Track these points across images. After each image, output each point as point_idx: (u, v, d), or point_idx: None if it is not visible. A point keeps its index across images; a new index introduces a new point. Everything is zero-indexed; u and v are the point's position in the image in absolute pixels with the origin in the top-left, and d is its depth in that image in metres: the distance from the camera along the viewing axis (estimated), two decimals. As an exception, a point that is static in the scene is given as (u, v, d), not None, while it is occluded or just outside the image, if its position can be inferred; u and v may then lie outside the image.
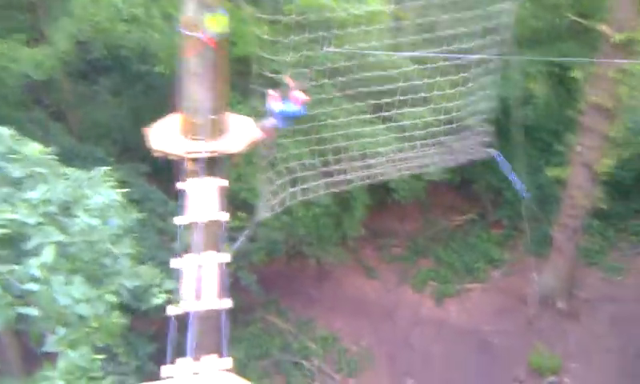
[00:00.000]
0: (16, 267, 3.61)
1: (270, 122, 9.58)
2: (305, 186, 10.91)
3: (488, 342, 16.31)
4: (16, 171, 4.29)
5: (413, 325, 16.84)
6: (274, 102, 9.31)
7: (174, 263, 6.93)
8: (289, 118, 9.44)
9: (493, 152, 12.31)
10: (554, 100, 18.49)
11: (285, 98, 9.43)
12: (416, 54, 11.16)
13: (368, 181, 11.81)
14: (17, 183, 4.23)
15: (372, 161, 11.65)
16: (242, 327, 15.44)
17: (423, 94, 11.64)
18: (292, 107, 9.27)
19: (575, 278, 17.02)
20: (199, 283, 6.86)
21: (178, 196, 8.24)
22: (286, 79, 9.53)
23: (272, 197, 10.79)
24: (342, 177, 11.30)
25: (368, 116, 12.14)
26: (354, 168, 11.54)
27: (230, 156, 9.31)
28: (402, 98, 11.21)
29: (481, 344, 16.30)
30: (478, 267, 18.40)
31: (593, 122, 14.37)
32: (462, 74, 11.45)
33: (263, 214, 10.96)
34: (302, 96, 9.41)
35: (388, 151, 11.91)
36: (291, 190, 10.88)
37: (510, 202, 18.90)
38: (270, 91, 9.46)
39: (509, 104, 14.59)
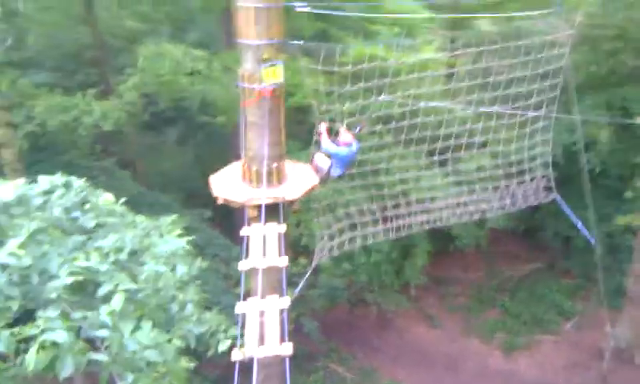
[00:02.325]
0: (88, 314, 3.71)
1: (323, 161, 9.33)
2: (364, 232, 10.77)
3: (560, 398, 15.37)
4: (89, 221, 4.47)
5: (479, 377, 16.02)
6: (327, 141, 8.91)
7: (239, 308, 6.98)
8: (344, 162, 9.26)
9: (555, 196, 11.83)
10: (617, 146, 17.73)
11: (335, 142, 9.28)
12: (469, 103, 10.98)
13: (427, 226, 11.55)
14: (89, 232, 4.40)
15: (431, 205, 11.44)
16: (304, 375, 15.20)
17: (479, 139, 11.46)
18: (344, 150, 8.92)
19: (653, 332, 15.92)
20: (262, 328, 6.86)
21: (241, 241, 8.34)
22: (341, 129, 9.43)
23: (329, 241, 10.72)
24: (400, 222, 11.13)
25: (424, 161, 12.00)
26: (413, 213, 11.36)
27: (290, 202, 9.39)
28: (458, 143, 11.07)
29: (552, 400, 15.36)
30: (549, 319, 17.54)
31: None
32: (517, 119, 11.21)
33: (320, 257, 10.88)
34: (348, 138, 9.24)
35: (447, 196, 11.65)
36: (350, 234, 10.77)
37: (579, 251, 18.05)
38: (321, 127, 8.97)
39: (572, 151, 14.12)
